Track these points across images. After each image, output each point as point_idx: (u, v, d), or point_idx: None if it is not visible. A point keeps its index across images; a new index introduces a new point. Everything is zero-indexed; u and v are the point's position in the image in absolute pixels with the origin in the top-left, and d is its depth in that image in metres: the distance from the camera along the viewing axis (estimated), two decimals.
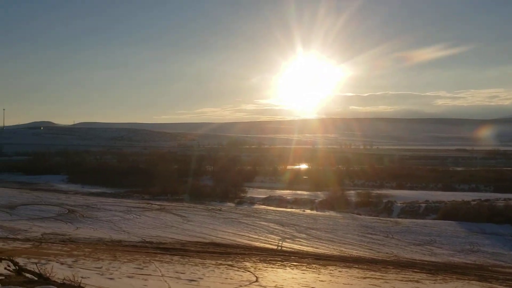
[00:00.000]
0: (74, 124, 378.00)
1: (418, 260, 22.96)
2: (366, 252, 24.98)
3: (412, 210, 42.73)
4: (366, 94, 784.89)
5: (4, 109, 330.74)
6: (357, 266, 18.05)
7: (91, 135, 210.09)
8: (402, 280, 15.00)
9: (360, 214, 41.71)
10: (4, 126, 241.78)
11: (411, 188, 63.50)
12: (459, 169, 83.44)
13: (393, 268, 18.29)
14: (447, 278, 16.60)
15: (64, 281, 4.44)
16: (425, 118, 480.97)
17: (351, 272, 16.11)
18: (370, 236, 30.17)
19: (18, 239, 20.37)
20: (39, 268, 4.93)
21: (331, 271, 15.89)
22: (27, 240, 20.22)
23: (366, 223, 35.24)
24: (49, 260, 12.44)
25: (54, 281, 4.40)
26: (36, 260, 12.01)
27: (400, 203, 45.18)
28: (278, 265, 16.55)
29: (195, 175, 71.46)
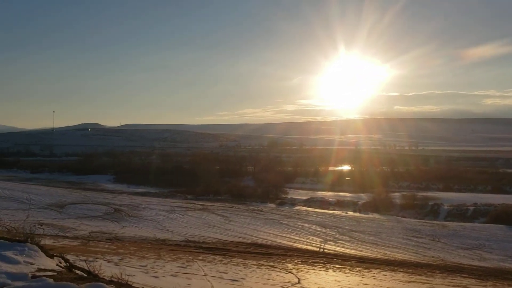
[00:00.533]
0: (120, 126, 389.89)
1: (466, 265, 22.11)
2: (411, 255, 24.32)
3: (459, 213, 41.27)
4: (411, 94, 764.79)
5: (54, 111, 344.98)
6: (402, 270, 17.59)
7: (136, 136, 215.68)
8: (449, 285, 14.49)
9: (405, 217, 40.70)
10: (54, 128, 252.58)
11: (458, 191, 61.33)
12: (510, 171, 79.68)
13: (439, 273, 17.70)
14: (497, 284, 15.90)
15: (112, 278, 4.54)
16: (474, 118, 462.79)
17: (395, 276, 15.71)
18: (415, 239, 29.36)
19: (67, 237, 21.17)
20: (88, 265, 5.07)
21: (375, 275, 15.56)
22: (75, 238, 20.98)
23: (411, 226, 34.32)
24: (96, 258, 12.81)
25: (103, 278, 4.52)
26: (84, 258, 12.41)
27: (447, 206, 43.73)
28: (320, 267, 16.37)
29: (236, 176, 71.95)
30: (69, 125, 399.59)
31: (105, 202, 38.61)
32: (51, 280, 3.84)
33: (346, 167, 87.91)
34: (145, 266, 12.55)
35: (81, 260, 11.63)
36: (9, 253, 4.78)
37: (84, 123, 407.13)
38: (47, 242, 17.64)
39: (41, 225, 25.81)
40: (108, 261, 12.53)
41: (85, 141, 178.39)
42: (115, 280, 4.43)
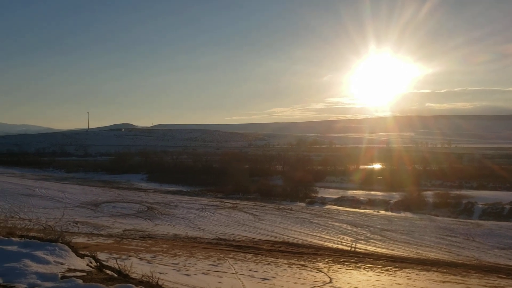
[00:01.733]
0: (152, 126, 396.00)
1: (504, 265, 21.46)
2: (444, 255, 23.79)
3: (495, 212, 40.11)
4: (443, 91, 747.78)
5: (88, 112, 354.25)
6: (435, 269, 17.23)
7: (168, 136, 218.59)
8: (485, 286, 14.11)
9: (437, 216, 39.86)
10: (88, 128, 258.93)
11: (493, 189, 59.59)
12: None
13: (475, 273, 17.24)
14: None
15: (143, 278, 4.59)
16: (509, 114, 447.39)
17: (429, 276, 15.41)
18: (449, 238, 28.72)
19: (101, 235, 21.65)
20: (119, 265, 5.15)
21: (408, 274, 15.31)
22: (109, 236, 21.44)
23: (445, 225, 33.57)
24: (129, 256, 13.07)
25: (133, 278, 4.57)
26: (117, 256, 12.69)
27: (482, 204, 42.55)
28: (352, 267, 16.22)
29: (265, 175, 71.99)
30: (103, 125, 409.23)
31: (138, 201, 39.29)
32: (80, 281, 3.90)
33: (377, 166, 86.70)
34: (177, 264, 12.72)
35: (114, 258, 11.90)
36: (39, 253, 4.86)
37: (118, 124, 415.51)
38: (82, 240, 18.14)
39: (76, 223, 26.51)
40: (141, 259, 12.76)
41: (119, 141, 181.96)
42: (145, 280, 4.46)
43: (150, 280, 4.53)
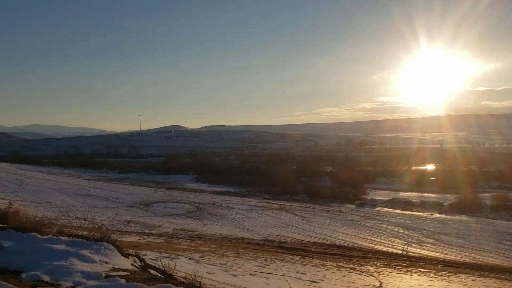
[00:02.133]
0: (201, 128, 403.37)
1: None
2: (503, 260, 22.56)
3: None
4: (501, 88, 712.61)
5: (140, 115, 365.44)
6: (493, 276, 16.37)
7: (216, 137, 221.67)
8: None
9: (495, 219, 37.93)
10: (140, 130, 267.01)
11: None
12: None
13: None
14: None
15: (186, 278, 4.57)
16: None
17: (486, 282, 14.65)
18: (508, 243, 27.24)
19: (152, 234, 22.16)
20: (163, 264, 5.16)
21: (463, 280, 14.62)
22: (160, 235, 21.89)
23: (504, 229, 31.90)
24: (178, 255, 13.25)
25: (176, 278, 4.57)
26: (167, 255, 12.91)
27: None
28: (403, 271, 15.69)
29: (314, 176, 71.27)
30: (154, 127, 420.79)
31: (187, 201, 39.96)
32: (123, 281, 3.93)
33: (430, 167, 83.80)
34: (225, 264, 12.76)
35: (164, 257, 12.09)
36: (86, 252, 4.95)
37: (168, 126, 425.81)
38: (133, 239, 18.62)
39: (129, 223, 27.29)
40: (190, 259, 12.91)
41: (169, 143, 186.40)
42: (187, 281, 4.43)
43: (193, 281, 4.50)
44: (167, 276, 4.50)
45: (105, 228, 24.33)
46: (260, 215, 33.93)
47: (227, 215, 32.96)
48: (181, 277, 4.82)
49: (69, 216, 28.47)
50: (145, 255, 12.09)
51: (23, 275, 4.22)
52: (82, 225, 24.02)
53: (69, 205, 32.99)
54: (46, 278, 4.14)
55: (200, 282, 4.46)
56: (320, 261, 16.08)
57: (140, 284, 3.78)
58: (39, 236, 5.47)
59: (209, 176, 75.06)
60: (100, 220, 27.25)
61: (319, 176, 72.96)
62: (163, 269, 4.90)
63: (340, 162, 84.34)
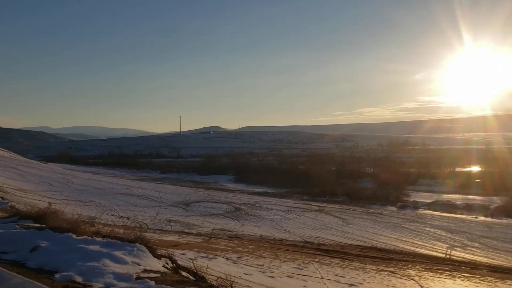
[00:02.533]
0: (239, 128, 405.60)
1: None
2: None
3: None
4: None
5: (180, 116, 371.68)
6: None
7: (254, 138, 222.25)
8: None
9: None
10: (180, 131, 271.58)
11: None
12: None
13: None
14: None
15: (217, 281, 4.53)
16: None
17: None
18: None
19: (191, 233, 22.44)
20: (196, 266, 5.15)
21: (511, 286, 13.96)
22: (199, 234, 22.14)
23: None
24: (216, 255, 13.33)
25: (207, 281, 4.54)
26: (205, 255, 13.00)
27: None
28: (446, 275, 15.16)
29: (354, 177, 70.24)
30: (194, 128, 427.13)
31: (226, 201, 40.23)
32: (152, 283, 3.93)
33: (475, 168, 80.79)
34: (262, 265, 12.72)
35: (202, 257, 12.19)
36: (119, 253, 4.99)
37: (207, 127, 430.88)
38: (173, 238, 18.90)
39: (169, 222, 27.76)
40: (227, 259, 12.95)
41: (208, 143, 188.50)
42: (217, 284, 4.37)
43: (224, 284, 4.45)
44: (199, 278, 4.48)
45: (146, 227, 24.87)
46: (298, 217, 33.70)
47: (265, 216, 32.93)
48: (212, 279, 4.78)
49: (112, 215, 29.28)
50: (183, 254, 12.24)
51: (57, 276, 4.30)
52: (124, 224, 24.58)
53: (113, 204, 33.92)
54: (79, 279, 4.20)
55: (231, 285, 4.42)
56: (360, 264, 15.78)
57: (168, 286, 3.78)
58: (74, 236, 5.59)
59: (247, 177, 75.34)
60: (142, 219, 27.87)
61: (360, 177, 71.82)
62: (195, 271, 4.88)
63: (381, 163, 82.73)
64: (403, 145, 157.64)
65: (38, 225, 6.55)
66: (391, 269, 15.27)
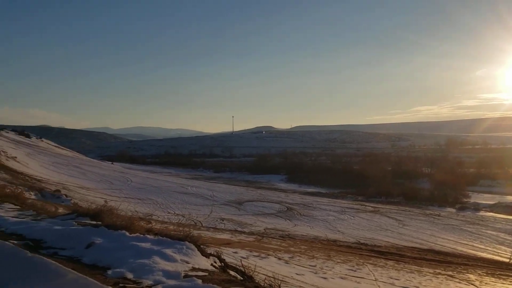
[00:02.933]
0: (291, 128, 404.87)
1: None
2: None
3: None
4: None
5: (233, 117, 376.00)
6: None
7: (306, 137, 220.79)
8: None
9: None
10: (233, 131, 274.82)
11: None
12: None
13: None
14: None
15: (265, 281, 4.50)
16: None
17: None
18: None
19: (244, 232, 22.61)
20: (244, 266, 5.14)
21: None
22: (251, 233, 22.27)
23: None
24: (268, 255, 13.32)
25: (254, 280, 4.51)
26: (257, 254, 13.04)
27: None
28: (510, 281, 14.36)
29: (410, 178, 68.21)
30: (246, 128, 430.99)
31: (278, 201, 40.26)
32: (199, 281, 3.97)
33: None
34: (314, 266, 12.59)
35: (254, 256, 12.24)
36: (169, 251, 5.08)
37: (259, 126, 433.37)
38: (226, 236, 19.12)
39: (222, 220, 28.17)
40: (279, 259, 12.92)
41: (260, 143, 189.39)
42: (265, 284, 4.33)
43: (272, 284, 4.41)
44: (247, 278, 4.47)
45: (200, 224, 25.36)
46: (352, 217, 33.13)
47: (318, 216, 32.63)
48: (261, 279, 4.76)
49: (168, 213, 30.11)
50: (236, 253, 12.35)
51: (109, 272, 4.45)
52: (179, 221, 25.17)
53: (169, 202, 34.90)
54: (130, 275, 4.33)
55: (279, 285, 4.37)
56: (416, 267, 15.26)
57: (215, 286, 3.80)
58: (127, 234, 5.78)
59: (299, 177, 75.03)
60: (197, 217, 28.46)
61: (416, 178, 69.67)
62: (243, 270, 4.89)
63: (439, 163, 79.75)
64: (463, 144, 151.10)
65: (94, 222, 6.85)
66: (449, 272, 14.65)
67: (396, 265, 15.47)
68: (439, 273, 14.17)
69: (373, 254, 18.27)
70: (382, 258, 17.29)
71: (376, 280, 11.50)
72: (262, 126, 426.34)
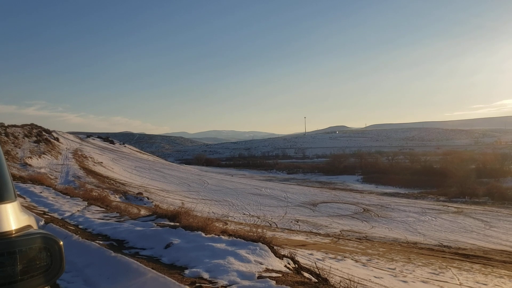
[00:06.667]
0: (365, 127, 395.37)
1: None
2: None
3: None
4: None
5: (305, 117, 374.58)
6: None
7: (382, 136, 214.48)
8: None
9: None
10: (305, 132, 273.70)
11: None
12: None
13: None
14: None
15: (341, 284, 4.38)
16: None
17: None
18: None
19: (319, 234, 22.39)
20: (318, 268, 5.05)
21: None
22: (327, 235, 22.00)
23: None
24: (345, 257, 13.06)
25: (329, 283, 4.41)
26: (333, 256, 12.84)
27: None
28: None
29: (497, 176, 63.89)
30: (318, 129, 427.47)
31: (354, 202, 39.44)
32: (273, 282, 3.94)
33: None
34: (394, 269, 12.16)
35: (330, 258, 12.06)
36: (242, 252, 5.14)
37: (332, 126, 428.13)
38: (301, 238, 19.04)
39: (297, 221, 28.11)
40: (356, 261, 12.63)
41: (333, 143, 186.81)
42: None
43: (348, 286, 4.28)
44: (322, 280, 4.38)
45: (275, 226, 25.50)
46: (434, 219, 31.62)
47: (397, 218, 31.52)
48: (336, 281, 4.65)
49: (244, 214, 30.62)
50: (311, 254, 12.25)
51: (186, 272, 4.58)
52: (254, 223, 25.49)
53: (244, 204, 35.49)
54: (206, 275, 4.42)
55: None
56: (506, 272, 14.23)
57: (289, 287, 3.77)
58: (203, 235, 5.96)
59: (376, 177, 72.98)
60: (271, 218, 28.68)
61: (504, 176, 65.04)
62: (317, 272, 4.80)
63: None
64: None
65: (172, 223, 7.14)
66: None
67: (483, 269, 14.53)
68: None
69: (457, 257, 17.32)
70: (467, 261, 16.34)
71: (461, 284, 10.87)
72: (335, 126, 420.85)
